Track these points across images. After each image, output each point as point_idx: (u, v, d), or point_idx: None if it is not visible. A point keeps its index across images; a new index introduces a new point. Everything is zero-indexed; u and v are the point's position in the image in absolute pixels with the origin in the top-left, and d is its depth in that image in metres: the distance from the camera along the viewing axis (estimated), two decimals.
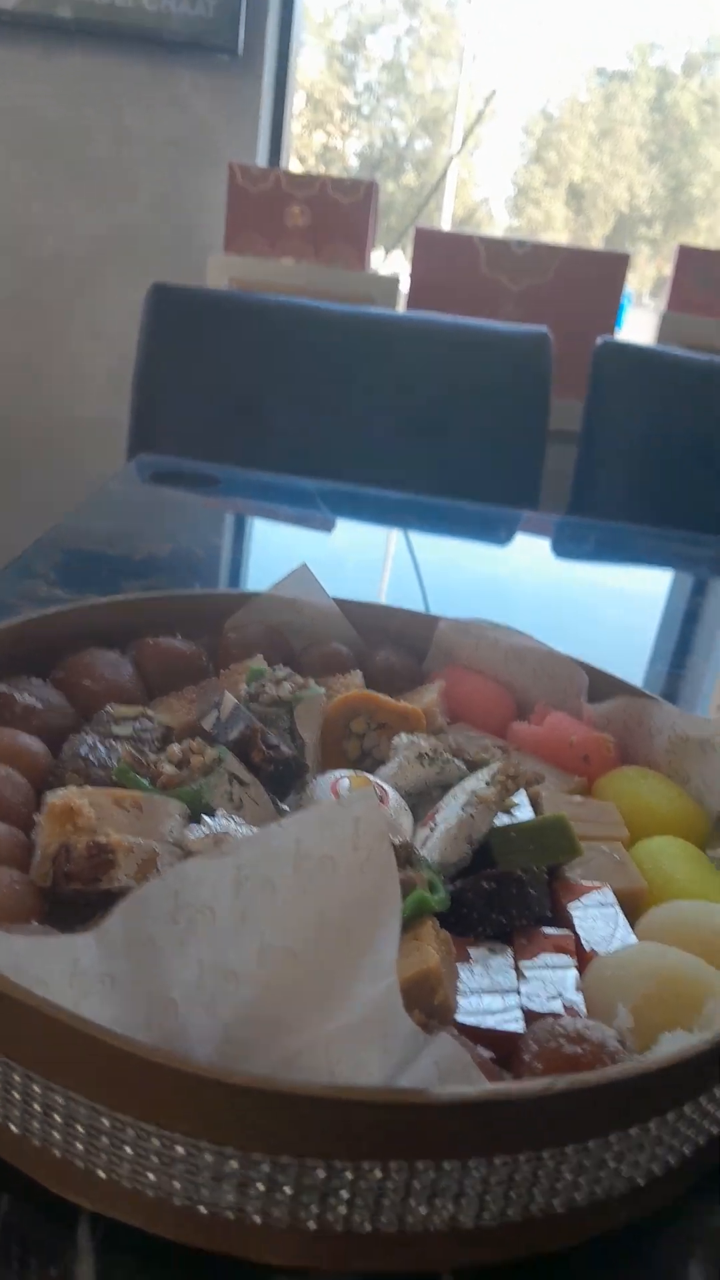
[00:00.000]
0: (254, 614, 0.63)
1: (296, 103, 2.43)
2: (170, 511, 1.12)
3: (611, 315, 2.06)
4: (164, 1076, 0.29)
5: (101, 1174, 0.31)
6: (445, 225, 3.31)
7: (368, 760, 0.54)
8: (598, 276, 2.04)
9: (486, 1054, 0.34)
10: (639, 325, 2.35)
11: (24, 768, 0.46)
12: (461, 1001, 0.37)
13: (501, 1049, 0.35)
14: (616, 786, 0.55)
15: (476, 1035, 0.36)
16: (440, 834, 0.43)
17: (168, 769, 0.45)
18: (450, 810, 0.45)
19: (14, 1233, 0.32)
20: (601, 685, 0.60)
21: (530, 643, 0.62)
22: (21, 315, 2.27)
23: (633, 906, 0.45)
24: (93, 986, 0.30)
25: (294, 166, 2.72)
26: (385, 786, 0.48)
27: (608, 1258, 0.34)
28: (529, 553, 1.27)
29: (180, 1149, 0.30)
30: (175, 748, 0.47)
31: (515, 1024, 0.36)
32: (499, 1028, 0.36)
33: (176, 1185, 0.30)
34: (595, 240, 3.98)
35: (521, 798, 0.51)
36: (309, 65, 2.93)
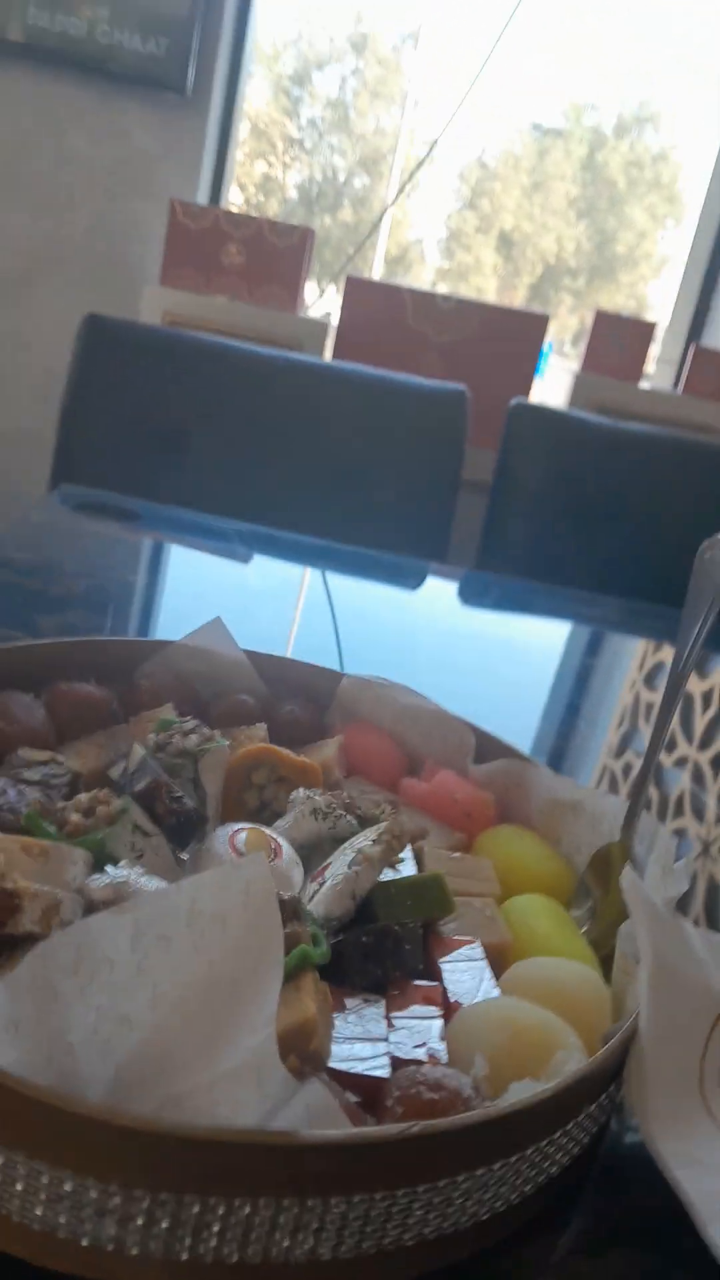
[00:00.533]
0: (165, 662, 0.66)
1: (240, 131, 2.48)
2: (89, 545, 1.14)
3: (530, 371, 2.15)
4: (55, 1117, 0.32)
5: None
6: (379, 263, 3.39)
7: (267, 811, 0.57)
8: (518, 334, 2.13)
9: (354, 1098, 0.38)
10: (558, 373, 2.45)
11: None
12: (335, 1048, 0.40)
13: (368, 1093, 0.39)
14: (494, 843, 0.59)
15: (346, 1080, 0.39)
16: (327, 889, 0.47)
17: (74, 817, 0.48)
18: (337, 867, 0.48)
19: None
20: (487, 746, 0.65)
21: (424, 703, 0.66)
22: None
23: (500, 959, 0.49)
24: None
25: (234, 194, 2.77)
26: (280, 840, 0.51)
27: None
28: (437, 602, 1.32)
29: (68, 1185, 0.32)
30: (83, 797, 0.49)
31: (382, 1070, 0.40)
32: (367, 1073, 0.39)
33: (62, 1220, 0.33)
34: (522, 288, 4.11)
35: (406, 852, 0.55)
36: (255, 95, 2.98)
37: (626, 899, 0.46)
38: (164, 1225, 0.33)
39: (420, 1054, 0.41)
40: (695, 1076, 0.44)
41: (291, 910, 0.44)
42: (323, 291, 2.76)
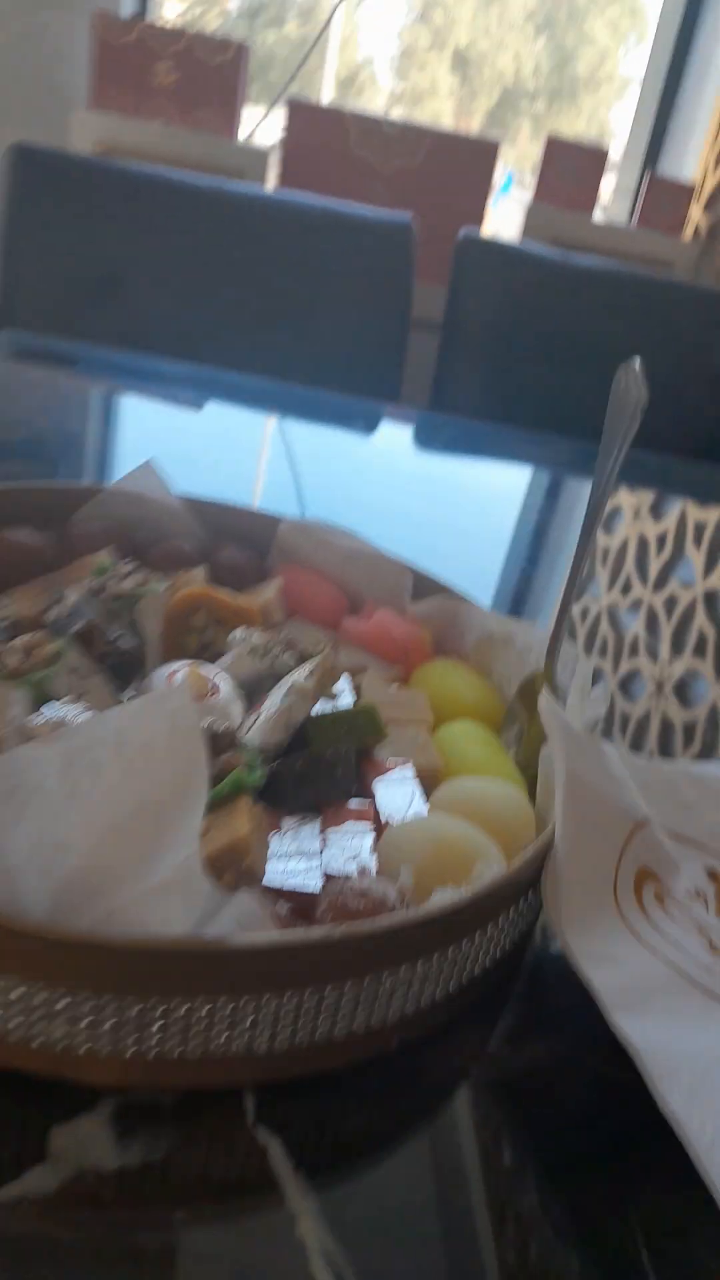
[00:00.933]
0: (100, 509, 0.66)
1: None
2: (29, 392, 1.11)
3: (481, 202, 2.06)
4: (3, 933, 0.34)
5: None
6: (328, 85, 3.19)
7: (207, 653, 0.58)
8: (468, 163, 2.04)
9: (285, 907, 0.40)
10: (516, 204, 2.35)
11: None
12: (271, 865, 0.43)
13: (301, 904, 0.41)
14: (428, 676, 0.61)
15: (280, 894, 0.42)
16: (261, 721, 0.49)
17: (12, 661, 0.49)
18: (272, 700, 0.50)
19: None
20: (424, 586, 0.66)
21: (362, 545, 0.67)
22: None
23: (431, 783, 0.52)
24: None
25: (169, 12, 2.57)
26: (218, 679, 0.53)
27: (383, 1075, 0.41)
28: (391, 444, 1.31)
29: (15, 992, 0.35)
30: (19, 640, 0.50)
31: (314, 883, 0.42)
32: (299, 887, 0.42)
33: (10, 1024, 0.35)
34: (479, 112, 3.89)
35: (345, 686, 0.57)
36: None
37: (544, 721, 0.48)
38: (108, 1025, 0.35)
39: (351, 867, 0.44)
40: (609, 883, 0.48)
41: (228, 741, 0.46)
42: (268, 114, 2.60)
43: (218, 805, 0.43)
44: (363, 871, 0.44)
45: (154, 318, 1.45)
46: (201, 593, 0.59)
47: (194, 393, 1.23)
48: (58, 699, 0.48)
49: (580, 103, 3.83)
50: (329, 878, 0.43)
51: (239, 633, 0.57)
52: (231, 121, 2.00)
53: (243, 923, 0.36)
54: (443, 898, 0.41)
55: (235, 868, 0.41)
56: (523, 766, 0.55)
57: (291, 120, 1.99)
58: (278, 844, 0.44)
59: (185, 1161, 0.36)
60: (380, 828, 0.47)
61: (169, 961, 0.34)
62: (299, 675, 0.51)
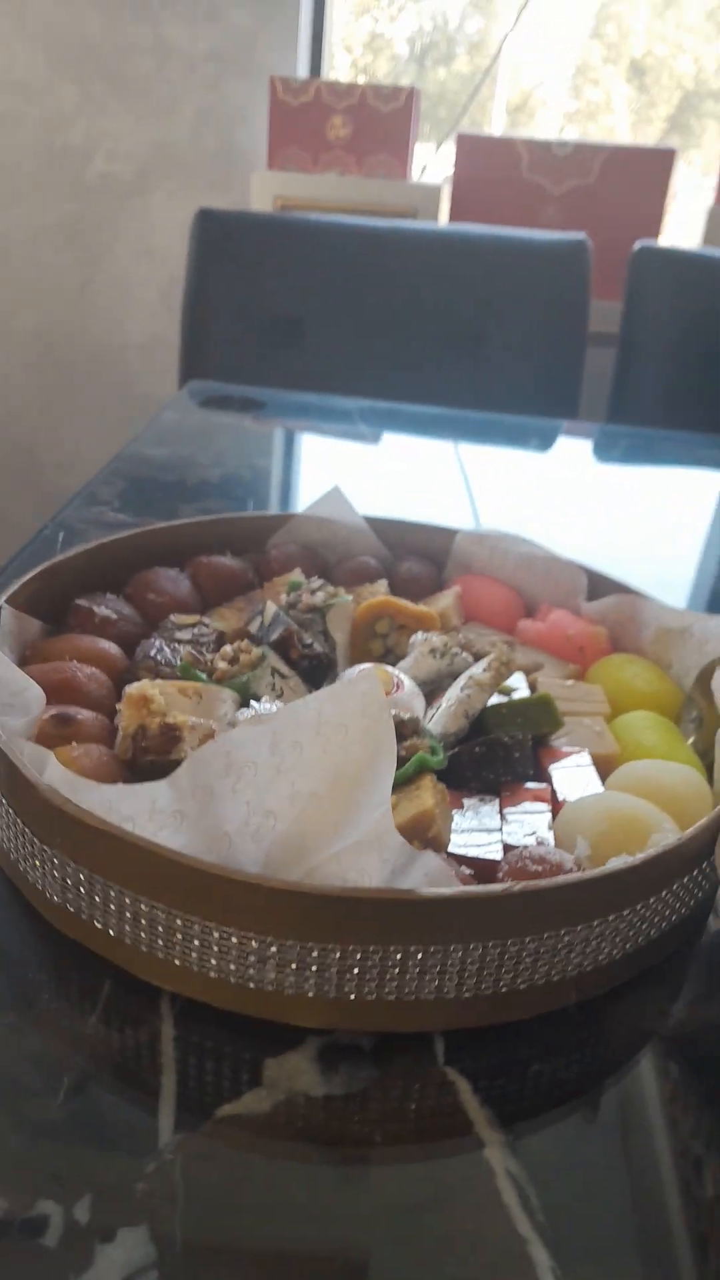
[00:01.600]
0: (292, 533, 0.72)
1: None
2: (220, 436, 1.20)
3: (658, 212, 2.05)
4: (220, 885, 0.39)
5: (177, 962, 0.42)
6: (499, 114, 3.23)
7: (390, 657, 0.63)
8: (644, 173, 2.03)
9: (467, 871, 0.44)
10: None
11: (105, 667, 0.57)
12: (454, 838, 0.47)
13: (483, 871, 0.45)
14: (605, 672, 0.63)
15: (462, 861, 0.46)
16: (442, 710, 0.53)
17: (221, 665, 0.55)
18: (451, 692, 0.54)
19: (114, 1009, 0.43)
20: (600, 585, 0.69)
21: (537, 550, 0.70)
22: (73, 237, 2.34)
23: (607, 769, 0.54)
24: (167, 822, 0.40)
25: (340, 58, 2.70)
26: (402, 677, 0.57)
27: (564, 1028, 0.44)
28: (570, 460, 1.33)
29: (234, 940, 0.40)
30: (228, 648, 0.57)
31: (495, 853, 0.46)
32: (481, 855, 0.46)
33: (231, 967, 0.41)
34: (658, 120, 3.84)
35: (521, 682, 0.60)
36: None
37: (718, 699, 0.50)
38: (314, 969, 0.40)
39: (529, 840, 0.47)
40: None
41: (412, 728, 0.50)
42: (440, 147, 2.68)
43: (404, 784, 0.47)
44: (539, 844, 0.47)
45: (334, 358, 1.54)
46: (384, 601, 0.64)
47: (373, 425, 1.30)
48: (261, 698, 0.55)
49: None
50: (508, 848, 0.47)
51: (419, 635, 0.61)
52: (404, 163, 2.08)
53: (431, 879, 0.40)
54: (619, 863, 0.44)
55: (422, 837, 0.45)
56: (701, 753, 0.56)
57: (461, 154, 2.06)
58: (460, 820, 0.48)
59: (382, 1094, 0.40)
60: (557, 807, 0.50)
61: (365, 910, 0.39)
62: (476, 669, 0.55)
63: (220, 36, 2.24)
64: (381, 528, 0.73)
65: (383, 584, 0.69)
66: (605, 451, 1.37)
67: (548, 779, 0.52)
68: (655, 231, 2.03)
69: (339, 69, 2.69)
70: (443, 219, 2.08)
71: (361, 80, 2.77)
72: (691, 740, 0.58)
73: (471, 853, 0.46)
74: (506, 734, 0.52)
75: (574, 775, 0.52)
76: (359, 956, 0.40)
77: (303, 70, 2.29)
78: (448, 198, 2.09)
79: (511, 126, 3.23)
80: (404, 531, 0.74)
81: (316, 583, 0.64)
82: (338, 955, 0.40)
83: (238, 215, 1.61)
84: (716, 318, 1.59)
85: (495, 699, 0.55)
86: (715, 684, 0.50)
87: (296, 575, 0.67)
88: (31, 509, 2.40)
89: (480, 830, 0.47)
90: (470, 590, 0.70)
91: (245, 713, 0.52)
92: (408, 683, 0.57)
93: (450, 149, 2.13)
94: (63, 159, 2.29)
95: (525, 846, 0.45)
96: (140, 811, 0.41)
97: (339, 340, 1.55)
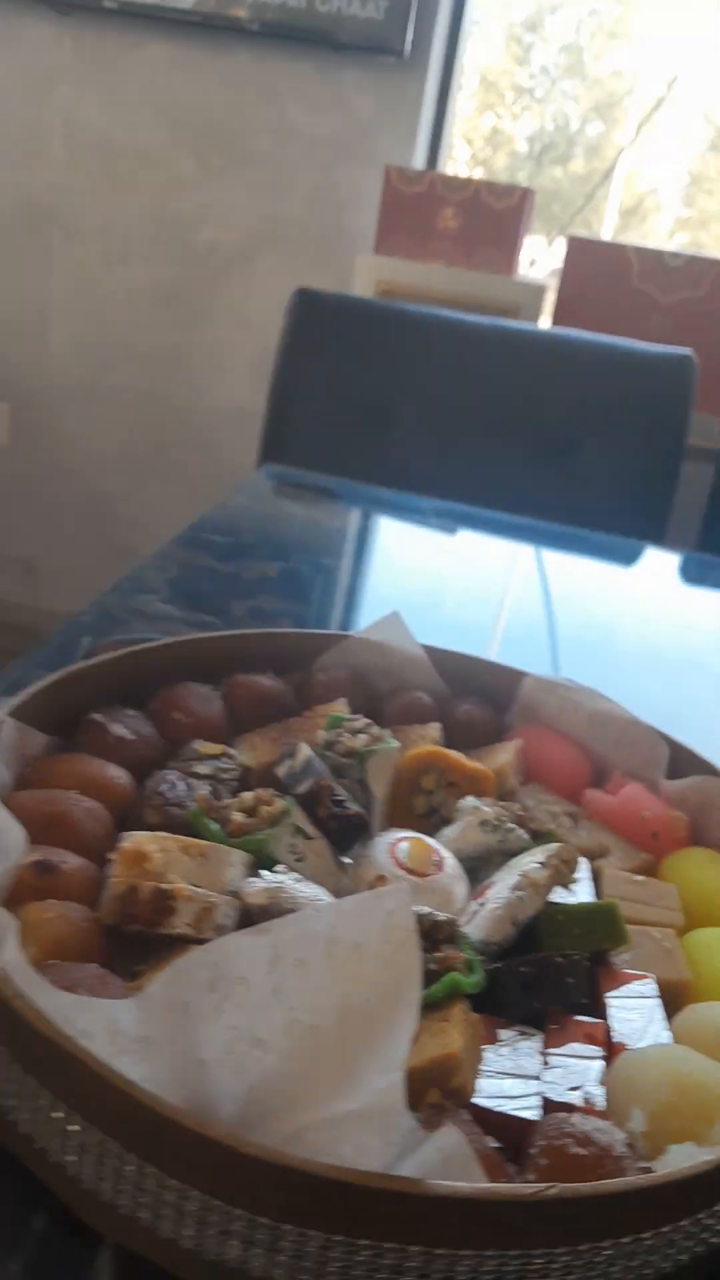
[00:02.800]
0: (342, 655, 0.65)
1: (468, 85, 2.42)
2: (287, 527, 1.15)
3: None
4: (185, 1136, 0.32)
5: (123, 1209, 0.34)
6: (612, 214, 3.22)
7: (434, 817, 0.55)
8: None
9: (494, 1144, 0.36)
10: None
11: (108, 799, 0.50)
12: (484, 1082, 0.39)
13: (514, 1134, 0.37)
14: (682, 868, 0.55)
15: (491, 1118, 0.37)
16: (486, 913, 0.45)
17: (237, 817, 0.48)
18: (500, 889, 0.46)
19: (47, 1249, 0.36)
20: (682, 760, 0.60)
21: (614, 708, 0.62)
22: (174, 300, 2.35)
23: (675, 999, 0.46)
24: (129, 1046, 0.33)
25: (460, 148, 2.71)
26: (443, 852, 0.50)
27: None
28: (653, 585, 1.25)
29: (192, 1202, 0.32)
30: (247, 795, 0.50)
31: (531, 1112, 0.38)
32: (514, 1113, 0.37)
33: (187, 1232, 0.33)
34: None
35: (583, 869, 0.52)
36: (485, 48, 2.89)
37: None
38: (286, 1255, 0.32)
39: (575, 1098, 0.39)
40: None
41: (447, 933, 0.42)
42: (550, 243, 2.66)
43: (430, 1008, 0.39)
44: (588, 1105, 0.38)
45: (420, 454, 1.49)
46: (434, 753, 0.56)
47: (452, 526, 1.24)
48: (277, 860, 0.47)
49: None
50: (547, 1106, 0.38)
51: (469, 801, 0.53)
52: (511, 260, 2.06)
53: (446, 1161, 0.32)
54: (681, 1156, 0.35)
55: (443, 1085, 0.37)
56: None
57: (571, 256, 2.03)
58: (493, 1058, 0.40)
59: None
60: (611, 1052, 0.41)
61: (360, 1199, 0.31)
62: (530, 862, 0.47)
63: (341, 123, 2.26)
64: (441, 659, 0.66)
65: (435, 727, 0.61)
66: (693, 580, 1.29)
67: (603, 1010, 0.43)
68: None
69: (457, 159, 2.71)
70: (545, 319, 2.05)
71: (478, 173, 2.78)
72: None
73: (503, 1108, 0.37)
74: (560, 952, 0.44)
75: (635, 1010, 0.43)
76: (343, 1250, 0.32)
77: (419, 160, 2.30)
78: (552, 297, 2.05)
79: (622, 229, 3.21)
80: (466, 666, 0.67)
81: (360, 722, 0.57)
82: (318, 1246, 0.32)
83: (336, 298, 1.58)
84: None
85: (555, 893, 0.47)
86: None
87: (340, 708, 0.60)
88: (95, 560, 2.38)
89: (516, 1075, 0.39)
90: (534, 745, 0.62)
91: (254, 883, 0.44)
92: (449, 861, 0.49)
93: (560, 247, 2.10)
94: (173, 225, 2.31)
95: (567, 1119, 0.36)
96: (99, 1028, 0.33)
97: (425, 434, 1.50)
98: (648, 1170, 0.35)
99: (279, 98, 2.26)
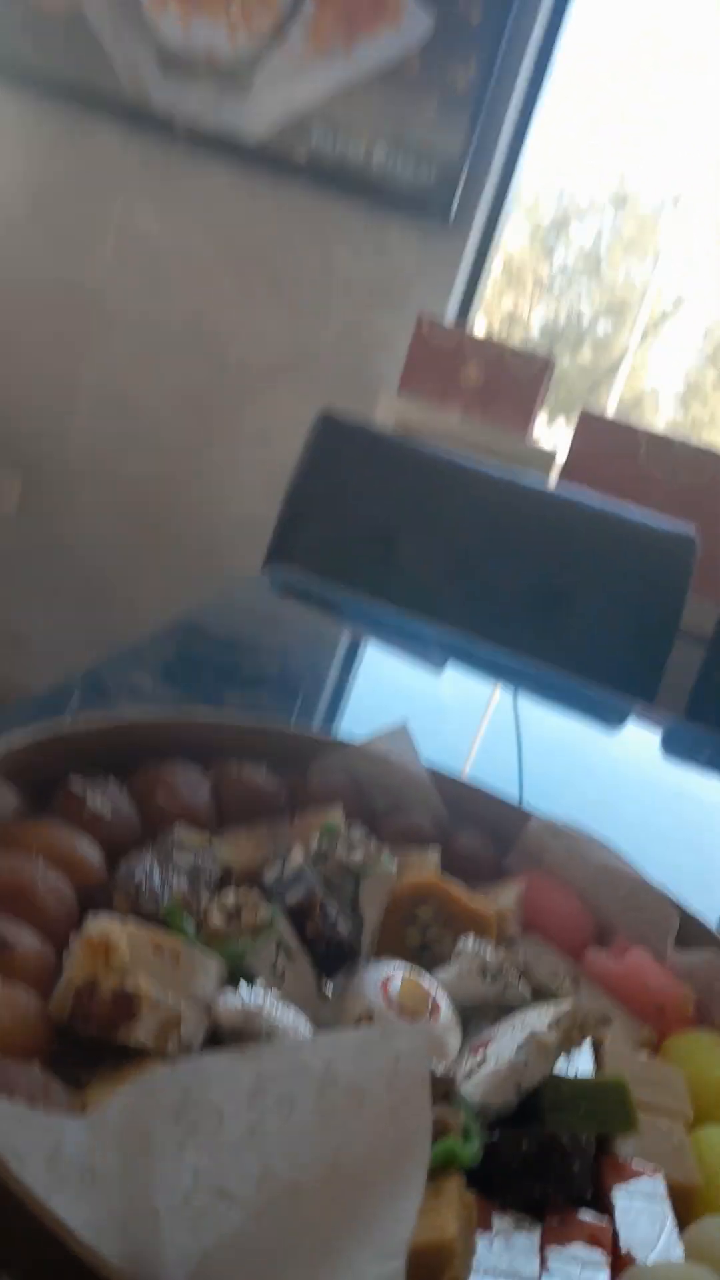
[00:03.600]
0: (343, 762, 0.61)
1: (494, 268, 2.53)
2: (288, 629, 1.12)
3: None
4: None
5: None
6: (612, 406, 3.36)
7: (426, 954, 0.50)
8: None
9: None
10: None
11: (76, 877, 0.44)
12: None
13: None
14: (686, 1050, 0.49)
15: None
16: (488, 1073, 0.39)
17: (216, 920, 0.43)
18: (503, 1046, 0.40)
19: None
20: (690, 931, 0.55)
21: (623, 865, 0.58)
22: (199, 410, 2.38)
23: (684, 1204, 0.40)
24: (70, 1177, 0.27)
25: (479, 324, 2.82)
26: (440, 996, 0.44)
27: None
28: (637, 748, 1.22)
29: None
30: (230, 898, 0.44)
31: None
32: None
33: None
34: None
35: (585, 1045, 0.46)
36: (513, 236, 3.08)
37: None
38: None
39: None
40: None
41: (443, 1090, 0.37)
42: (551, 423, 2.75)
43: None
44: None
45: (422, 586, 1.47)
46: (434, 884, 0.51)
47: (443, 656, 1.21)
48: (256, 976, 0.41)
49: None
50: None
51: (469, 943, 0.48)
52: (526, 425, 2.11)
53: None
54: None
55: (432, 1278, 0.30)
56: None
57: (581, 429, 2.08)
58: (485, 1252, 0.34)
59: None
60: (618, 1263, 0.35)
61: None
62: (539, 1022, 0.42)
63: (381, 268, 2.35)
64: (445, 786, 0.61)
65: (434, 854, 0.56)
66: (678, 749, 1.26)
67: (609, 1208, 0.37)
68: None
69: (478, 327, 2.81)
70: (552, 485, 2.08)
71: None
72: None
73: None
74: (565, 1129, 0.38)
75: (643, 1212, 0.37)
76: None
77: (450, 316, 2.38)
78: (559, 468, 2.09)
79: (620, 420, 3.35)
80: (470, 797, 0.62)
81: (357, 835, 0.52)
82: None
83: (358, 424, 1.60)
84: None
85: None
86: None
87: (335, 817, 0.55)
88: (85, 642, 2.32)
89: (510, 1277, 0.33)
90: (536, 893, 0.57)
91: (230, 1001, 0.38)
92: (445, 1006, 0.44)
93: (564, 428, 2.16)
94: (208, 337, 2.36)
95: None
96: (37, 1151, 0.27)
97: (430, 569, 1.49)
98: None
99: (327, 238, 2.35)
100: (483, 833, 0.61)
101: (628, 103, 3.11)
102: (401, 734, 0.62)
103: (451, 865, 0.57)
